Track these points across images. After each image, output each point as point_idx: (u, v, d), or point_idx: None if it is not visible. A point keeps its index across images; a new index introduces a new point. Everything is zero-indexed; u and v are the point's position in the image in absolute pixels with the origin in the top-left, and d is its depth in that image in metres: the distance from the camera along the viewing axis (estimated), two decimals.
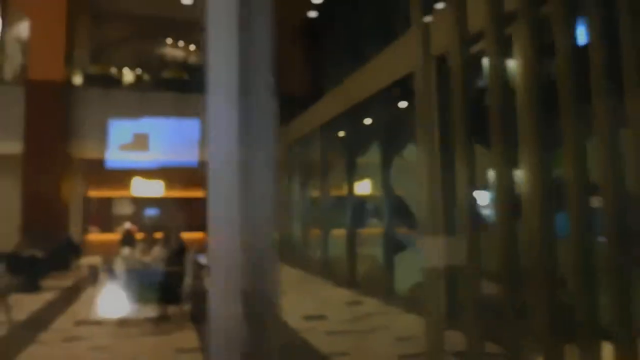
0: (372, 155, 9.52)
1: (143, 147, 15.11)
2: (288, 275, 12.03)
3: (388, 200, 8.73)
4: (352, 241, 10.38)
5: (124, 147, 15.17)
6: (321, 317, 7.00)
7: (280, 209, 15.73)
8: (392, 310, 7.37)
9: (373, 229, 10.62)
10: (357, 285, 9.77)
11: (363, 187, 11.41)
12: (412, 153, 8.06)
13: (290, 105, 15.81)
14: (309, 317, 6.98)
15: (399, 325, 6.39)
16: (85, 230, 17.19)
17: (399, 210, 8.43)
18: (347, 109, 10.61)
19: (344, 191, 11.52)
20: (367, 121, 10.58)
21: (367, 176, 10.71)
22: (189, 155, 15.48)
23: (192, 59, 17.93)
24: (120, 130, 15.28)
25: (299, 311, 7.40)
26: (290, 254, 14.92)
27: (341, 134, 12.34)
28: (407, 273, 8.14)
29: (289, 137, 15.37)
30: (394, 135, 8.75)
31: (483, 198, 6.60)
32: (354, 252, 10.32)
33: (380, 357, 5.03)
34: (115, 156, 15.42)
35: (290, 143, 15.37)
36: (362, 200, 10.05)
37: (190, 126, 15.52)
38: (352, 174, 10.59)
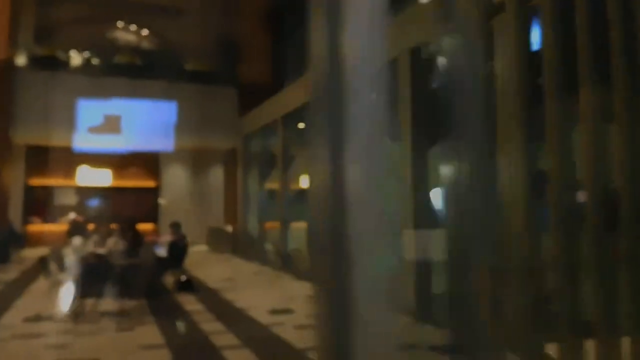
0: None
1: (115, 129, 14.37)
2: (246, 269, 11.77)
3: None
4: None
5: (94, 130, 14.37)
6: (288, 311, 6.82)
7: (235, 201, 15.41)
8: None
9: None
10: None
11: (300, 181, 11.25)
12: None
13: (250, 94, 15.57)
14: (275, 311, 6.79)
15: None
16: (26, 221, 16.23)
17: None
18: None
19: (303, 184, 11.40)
20: None
21: None
22: (162, 141, 14.93)
23: (145, 44, 17.22)
24: (89, 111, 14.44)
25: (264, 305, 7.20)
26: (246, 247, 14.64)
27: (302, 125, 12.17)
28: None
29: (247, 127, 15.06)
30: None
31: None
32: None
33: None
34: (84, 140, 14.54)
35: (248, 133, 15.06)
36: None
37: (163, 110, 14.94)
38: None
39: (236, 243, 15.41)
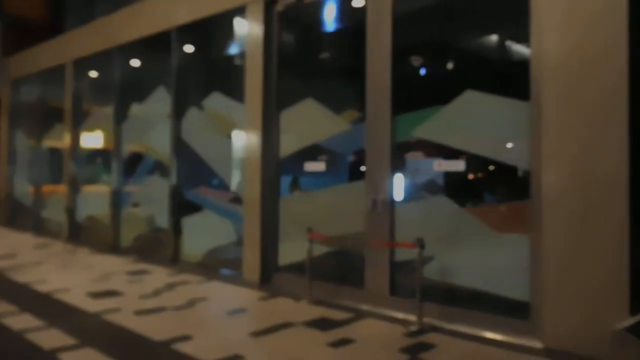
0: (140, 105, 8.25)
1: None
2: (25, 242, 9.72)
3: (179, 156, 7.69)
4: (115, 200, 8.92)
5: None
6: (113, 294, 5.74)
7: None
8: (193, 278, 6.54)
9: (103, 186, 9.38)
10: (126, 251, 8.46)
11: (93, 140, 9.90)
12: (216, 103, 7.22)
13: (19, 30, 12.73)
14: (96, 295, 5.65)
15: (223, 296, 5.68)
16: None
17: (192, 167, 7.51)
18: (113, 46, 8.95)
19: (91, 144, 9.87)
20: (136, 63, 9.12)
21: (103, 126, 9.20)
22: None
23: None
24: None
25: (79, 287, 5.95)
26: (15, 215, 12.20)
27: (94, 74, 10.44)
28: (199, 238, 7.36)
29: (15, 70, 12.36)
30: (183, 82, 7.69)
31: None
32: (117, 212, 8.89)
33: (233, 340, 4.30)
34: None
35: (17, 78, 12.39)
36: (136, 154, 8.65)
37: None
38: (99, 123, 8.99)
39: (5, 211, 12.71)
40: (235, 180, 6.94)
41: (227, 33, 7.18)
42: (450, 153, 4.76)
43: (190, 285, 6.23)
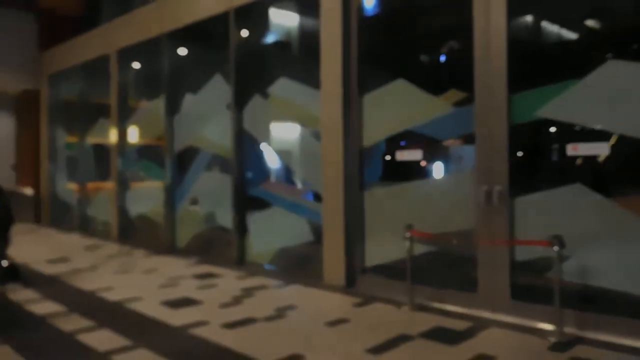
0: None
1: None
2: (75, 243, 9.28)
3: (241, 149, 7.10)
4: (169, 197, 8.40)
5: None
6: (189, 302, 5.20)
7: (32, 158, 12.33)
8: (268, 282, 5.98)
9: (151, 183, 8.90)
10: (185, 252, 7.94)
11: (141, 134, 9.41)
12: (284, 89, 6.60)
13: (55, 24, 12.28)
14: (172, 304, 5.11)
15: (312, 303, 5.08)
16: None
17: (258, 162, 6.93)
18: (163, 33, 8.39)
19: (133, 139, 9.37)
20: (188, 51, 8.56)
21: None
22: None
23: None
24: None
25: (150, 295, 5.43)
26: (59, 215, 11.82)
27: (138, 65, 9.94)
28: (268, 237, 6.78)
29: (52, 65, 11.95)
30: (244, 69, 7.09)
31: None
32: (172, 210, 8.37)
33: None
34: None
35: (55, 73, 11.97)
36: (191, 149, 8.10)
37: None
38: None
39: (41, 210, 12.35)
40: (309, 173, 6.32)
41: (294, 9, 6.55)
42: (585, 135, 4.08)
43: (269, 290, 5.66)
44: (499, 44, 4.46)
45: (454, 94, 4.98)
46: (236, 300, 5.21)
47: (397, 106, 5.37)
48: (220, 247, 7.46)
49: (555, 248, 3.86)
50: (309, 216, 6.32)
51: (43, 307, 5.04)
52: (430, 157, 5.23)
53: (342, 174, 5.65)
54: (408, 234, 4.80)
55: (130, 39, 9.23)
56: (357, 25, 5.66)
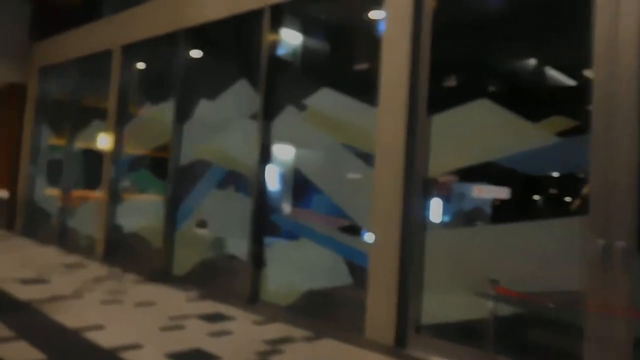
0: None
1: None
2: (58, 261, 8.03)
3: (266, 168, 6.05)
4: (170, 215, 7.26)
5: None
6: (203, 356, 4.08)
7: (10, 157, 11.11)
8: (294, 332, 4.88)
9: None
10: (183, 281, 6.78)
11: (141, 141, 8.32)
12: (327, 102, 5.61)
13: (50, 13, 11.19)
14: (181, 358, 3.99)
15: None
16: None
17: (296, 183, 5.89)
18: (178, 29, 7.40)
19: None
20: (207, 50, 7.56)
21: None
22: None
23: None
24: None
25: (151, 341, 4.29)
26: (35, 223, 10.55)
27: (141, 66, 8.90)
28: (293, 274, 5.71)
29: (44, 57, 10.83)
30: (277, 75, 6.10)
31: None
32: (171, 230, 7.23)
33: None
34: None
35: (45, 66, 10.84)
36: (201, 162, 7.01)
37: None
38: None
39: (15, 216, 11.04)
40: (352, 203, 5.30)
41: (345, 8, 5.62)
42: None
43: (298, 344, 4.56)
44: (628, 61, 3.55)
45: (558, 121, 4.04)
46: (262, 358, 4.10)
47: (477, 131, 4.41)
48: (228, 280, 6.34)
49: None
50: (347, 254, 5.27)
51: (15, 353, 3.87)
52: (520, 196, 4.27)
53: (400, 207, 4.64)
54: (492, 291, 3.79)
55: (139, 35, 8.19)
56: (430, 29, 4.71)
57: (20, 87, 11.32)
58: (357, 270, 5.10)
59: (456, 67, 4.80)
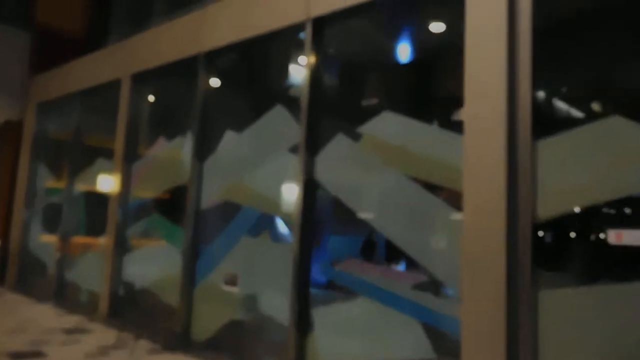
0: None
1: None
2: (56, 323, 6.84)
3: (310, 209, 5.00)
4: (189, 268, 6.16)
5: None
6: None
7: (4, 201, 10.07)
8: None
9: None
10: (204, 349, 5.63)
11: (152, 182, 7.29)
12: (389, 128, 4.61)
13: (52, 45, 10.35)
14: None
15: None
16: None
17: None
18: (197, 53, 6.48)
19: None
20: (230, 74, 6.62)
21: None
22: None
23: None
24: None
25: None
26: (28, 275, 9.41)
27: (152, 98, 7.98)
28: (350, 342, 4.58)
29: (43, 92, 9.93)
30: (322, 98, 5.14)
31: None
32: (190, 285, 6.12)
33: None
34: None
35: (43, 102, 9.93)
36: (227, 204, 5.96)
37: None
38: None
39: (7, 268, 9.88)
40: (429, 253, 4.23)
41: (409, 16, 4.69)
42: None
43: None
44: None
45: None
46: None
47: (606, 158, 3.40)
48: (262, 347, 5.21)
49: None
50: (426, 318, 4.17)
51: None
52: None
53: (504, 261, 3.58)
54: None
55: (152, 61, 7.27)
56: (530, 33, 3.75)
57: (16, 125, 10.36)
58: (442, 339, 4.00)
59: (567, 77, 3.83)
